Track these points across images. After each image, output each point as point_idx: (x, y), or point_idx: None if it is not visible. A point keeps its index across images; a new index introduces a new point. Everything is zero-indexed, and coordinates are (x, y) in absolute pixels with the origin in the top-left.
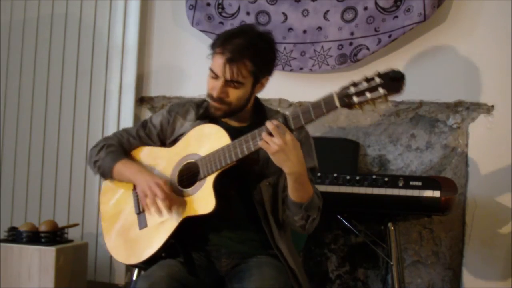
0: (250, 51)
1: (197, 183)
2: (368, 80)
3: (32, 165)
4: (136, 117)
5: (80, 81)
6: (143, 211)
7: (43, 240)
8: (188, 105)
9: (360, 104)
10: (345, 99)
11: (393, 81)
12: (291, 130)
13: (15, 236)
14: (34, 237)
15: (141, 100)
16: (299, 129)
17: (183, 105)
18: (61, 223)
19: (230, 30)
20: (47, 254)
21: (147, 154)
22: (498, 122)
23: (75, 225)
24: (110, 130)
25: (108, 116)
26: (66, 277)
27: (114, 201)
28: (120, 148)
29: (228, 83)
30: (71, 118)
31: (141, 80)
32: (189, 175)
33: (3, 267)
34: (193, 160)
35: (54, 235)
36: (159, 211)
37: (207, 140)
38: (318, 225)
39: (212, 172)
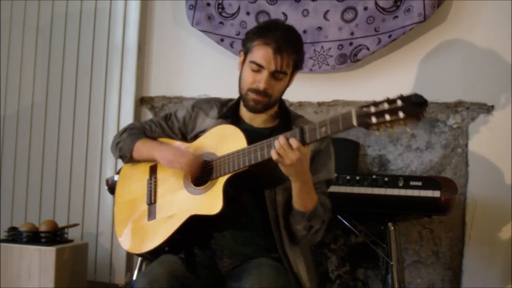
0: (294, 41)
1: (209, 183)
2: (389, 101)
3: (32, 165)
4: (136, 117)
5: (80, 81)
6: (154, 202)
7: (43, 240)
8: (212, 102)
9: (378, 125)
10: (364, 118)
11: (415, 106)
12: (305, 143)
13: (15, 236)
14: (34, 237)
15: (141, 100)
16: (314, 142)
17: (207, 101)
18: (61, 223)
19: (264, 24)
20: (47, 254)
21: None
22: (498, 122)
23: (75, 225)
24: (110, 130)
25: (108, 116)
26: (66, 277)
27: (129, 188)
28: (142, 131)
29: (272, 74)
30: (71, 118)
31: (141, 80)
32: (203, 173)
33: (3, 267)
34: (208, 159)
35: (54, 235)
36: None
37: (225, 141)
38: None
39: (224, 174)
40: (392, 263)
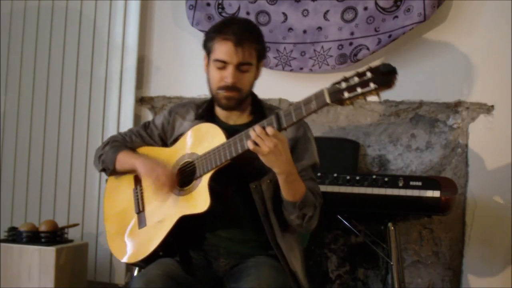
0: (252, 31)
1: (194, 182)
2: (359, 75)
3: (32, 165)
4: (136, 117)
5: (80, 81)
6: (143, 210)
7: (43, 240)
8: (188, 106)
9: (351, 99)
10: (336, 94)
11: (384, 75)
12: (283, 128)
13: (15, 236)
14: (34, 237)
15: (141, 100)
16: (292, 125)
17: (183, 105)
18: (61, 223)
19: (221, 21)
20: (47, 254)
21: (146, 153)
22: (498, 122)
23: (75, 225)
24: (110, 130)
25: (108, 116)
26: (66, 277)
27: (117, 200)
28: (123, 143)
29: (238, 67)
30: (71, 118)
31: (141, 80)
32: (186, 174)
33: (3, 267)
34: (190, 160)
35: (54, 235)
36: (160, 191)
37: (204, 139)
38: (318, 224)
39: (207, 171)
40: (392, 263)
